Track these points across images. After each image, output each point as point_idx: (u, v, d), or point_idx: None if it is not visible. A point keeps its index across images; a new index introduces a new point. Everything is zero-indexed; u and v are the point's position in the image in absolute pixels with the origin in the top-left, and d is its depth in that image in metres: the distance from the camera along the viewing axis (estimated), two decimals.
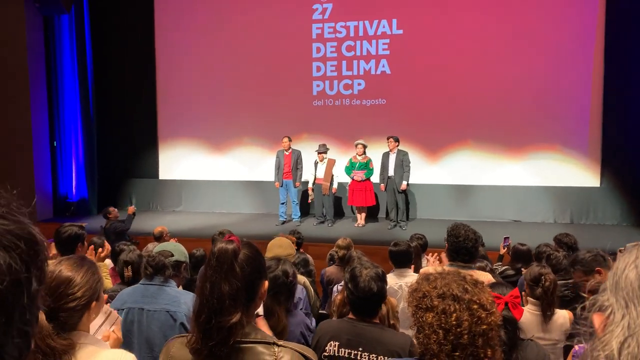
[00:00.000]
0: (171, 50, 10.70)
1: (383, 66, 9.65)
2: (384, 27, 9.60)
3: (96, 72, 10.88)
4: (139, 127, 10.87)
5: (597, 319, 0.74)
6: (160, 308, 2.69)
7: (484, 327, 1.35)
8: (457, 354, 1.36)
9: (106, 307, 2.01)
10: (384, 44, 9.63)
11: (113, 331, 2.00)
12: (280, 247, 3.36)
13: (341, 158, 9.14)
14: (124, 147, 10.95)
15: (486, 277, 3.20)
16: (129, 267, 3.56)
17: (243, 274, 1.54)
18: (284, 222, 9.17)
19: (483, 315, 1.36)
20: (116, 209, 7.74)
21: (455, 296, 1.39)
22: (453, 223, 3.42)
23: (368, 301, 2.26)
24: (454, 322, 1.36)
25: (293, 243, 3.87)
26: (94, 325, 1.93)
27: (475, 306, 1.37)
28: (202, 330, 1.51)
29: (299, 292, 3.04)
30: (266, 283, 1.64)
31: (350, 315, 2.33)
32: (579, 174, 8.86)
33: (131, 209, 7.70)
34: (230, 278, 1.52)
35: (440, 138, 9.39)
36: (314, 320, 3.01)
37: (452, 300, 1.38)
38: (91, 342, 1.75)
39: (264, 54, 10.10)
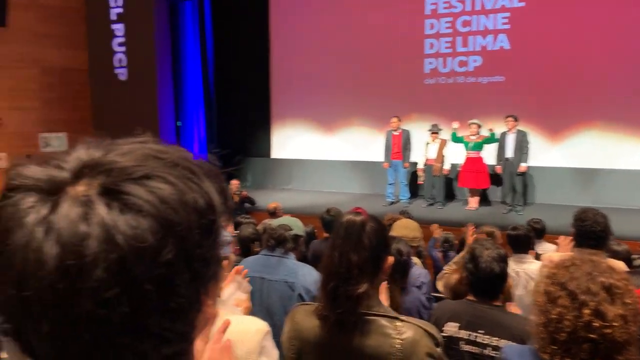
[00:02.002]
0: (285, 32, 10.95)
1: (502, 41, 9.15)
2: (504, 0, 9.08)
3: (216, 55, 11.44)
4: (254, 108, 11.31)
5: None
6: (279, 278, 2.81)
7: (593, 336, 1.23)
8: (574, 352, 1.25)
9: (239, 276, 2.12)
10: (503, 17, 9.11)
11: (244, 299, 2.11)
12: (406, 228, 3.35)
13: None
14: (240, 127, 11.46)
15: (619, 265, 2.96)
16: (255, 243, 3.72)
17: (370, 245, 1.56)
18: (391, 203, 9.11)
19: (597, 324, 1.23)
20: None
21: (570, 291, 1.27)
22: (581, 207, 3.20)
23: (489, 282, 2.19)
24: (555, 317, 1.26)
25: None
26: (228, 292, 2.05)
27: (587, 311, 1.24)
28: (330, 298, 1.55)
29: (423, 276, 3.02)
30: (390, 258, 1.64)
31: (470, 297, 2.27)
32: None
33: (244, 193, 8.17)
34: (359, 248, 1.54)
35: (563, 118, 8.76)
36: (433, 303, 2.98)
37: (566, 294, 1.27)
38: (223, 308, 1.86)
39: (375, 32, 9.99)
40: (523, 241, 3.74)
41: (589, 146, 8.64)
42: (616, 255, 3.41)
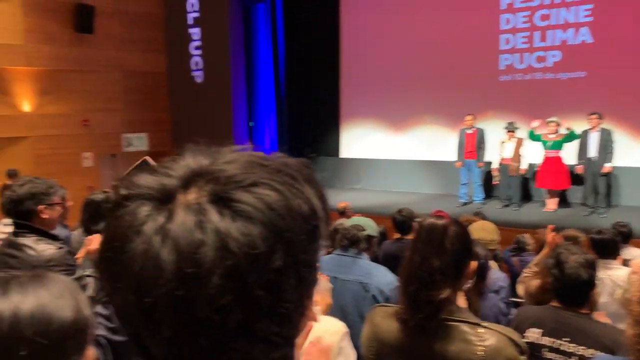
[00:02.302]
0: (356, 31, 10.94)
1: (584, 35, 8.70)
2: None
3: (287, 55, 11.63)
4: (324, 107, 11.38)
5: None
6: (353, 279, 2.81)
7: None
8: None
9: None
10: (585, 10, 8.65)
11: (326, 295, 2.12)
12: (483, 230, 3.26)
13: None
14: (309, 127, 11.57)
15: None
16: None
17: (453, 250, 1.53)
18: (464, 204, 8.88)
19: None
20: None
21: None
22: None
23: (575, 289, 2.09)
24: None
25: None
26: None
27: None
28: (411, 302, 1.54)
29: (501, 280, 2.93)
30: (474, 263, 1.61)
31: (554, 303, 2.18)
32: None
33: None
34: (441, 253, 1.52)
35: None
36: (512, 309, 2.88)
37: None
38: None
39: (448, 28, 9.78)
40: (609, 246, 3.54)
41: None
42: None
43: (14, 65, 9.80)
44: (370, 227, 3.12)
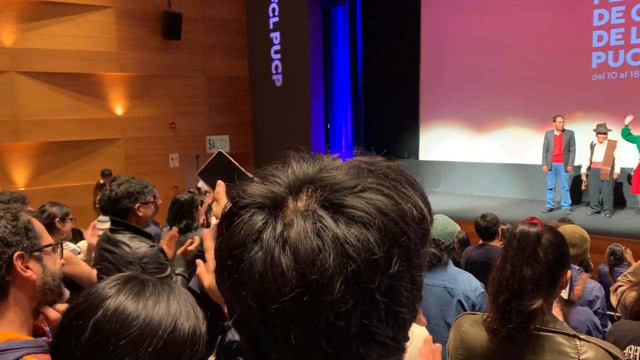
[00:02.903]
0: (436, 31, 10.75)
1: None
2: None
3: (365, 58, 11.62)
4: (402, 109, 11.28)
5: None
6: (438, 283, 2.75)
7: None
8: None
9: None
10: None
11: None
12: (573, 245, 3.07)
13: (624, 140, 7.93)
14: (388, 129, 11.49)
15: None
16: None
17: (546, 259, 1.47)
18: (551, 210, 8.46)
19: None
20: None
21: None
22: None
23: None
24: None
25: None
26: None
27: None
28: (501, 312, 1.49)
29: (597, 290, 2.77)
30: (569, 272, 1.53)
31: None
32: None
33: None
34: (533, 262, 1.47)
35: None
36: (608, 323, 2.70)
37: None
38: None
39: (534, 26, 9.37)
40: None
41: None
42: None
43: (108, 72, 10.45)
44: (452, 225, 3.00)
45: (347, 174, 0.54)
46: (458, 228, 3.03)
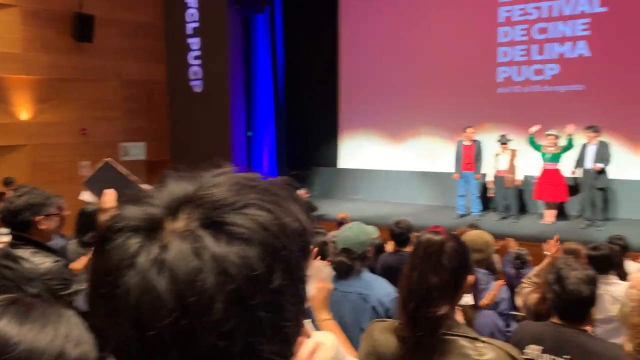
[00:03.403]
0: (354, 42, 11.00)
1: (581, 49, 8.76)
2: (583, 5, 8.69)
3: (286, 65, 11.69)
4: (322, 118, 11.43)
5: None
6: (353, 290, 2.79)
7: None
8: None
9: (319, 264, 2.12)
10: (583, 24, 8.72)
11: (325, 282, 2.08)
12: (479, 252, 3.23)
13: (527, 149, 8.49)
14: (308, 137, 11.60)
15: None
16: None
17: (450, 266, 1.53)
18: (462, 216, 8.89)
19: None
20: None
21: None
22: None
23: (576, 305, 2.08)
24: None
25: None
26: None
27: None
28: (410, 319, 1.53)
29: (502, 292, 2.92)
30: (471, 277, 1.60)
31: (554, 319, 2.17)
32: None
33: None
34: (438, 269, 1.52)
35: None
36: (513, 323, 2.86)
37: None
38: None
39: (447, 41, 9.83)
40: (606, 261, 3.51)
41: None
42: None
43: (12, 74, 9.80)
44: (365, 233, 3.07)
45: (228, 190, 0.53)
46: (374, 235, 3.09)
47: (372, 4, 10.71)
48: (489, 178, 8.72)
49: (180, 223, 0.51)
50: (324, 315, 2.05)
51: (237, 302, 0.48)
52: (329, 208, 9.72)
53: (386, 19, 10.53)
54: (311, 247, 0.58)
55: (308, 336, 0.63)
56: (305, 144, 11.67)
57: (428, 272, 1.52)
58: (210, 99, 10.40)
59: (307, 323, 1.82)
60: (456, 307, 1.67)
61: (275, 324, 0.51)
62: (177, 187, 0.55)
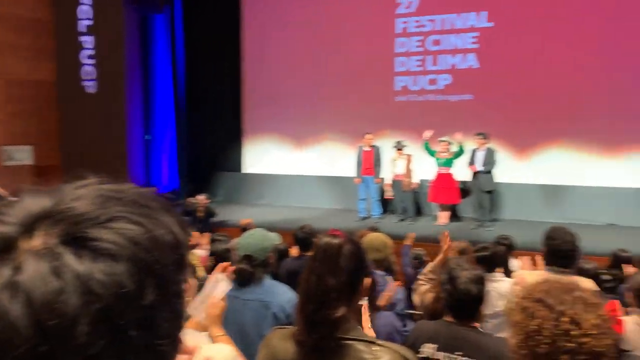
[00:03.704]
0: (257, 48, 10.97)
1: (471, 61, 9.37)
2: (472, 20, 9.31)
3: (187, 68, 11.39)
4: (226, 122, 11.27)
5: None
6: (254, 298, 2.76)
7: (572, 345, 1.24)
8: None
9: (218, 276, 2.09)
10: (472, 37, 9.33)
11: (219, 300, 2.06)
12: (377, 250, 3.33)
13: (422, 155, 8.92)
14: (211, 142, 11.38)
15: (588, 284, 3.02)
16: (213, 258, 3.68)
17: (348, 268, 1.55)
18: (363, 219, 9.15)
19: (574, 332, 1.25)
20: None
21: (547, 303, 1.30)
22: (550, 226, 3.26)
23: (467, 304, 2.20)
24: (535, 328, 1.28)
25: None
26: (202, 293, 2.02)
27: (565, 319, 1.26)
28: (307, 323, 1.53)
29: (398, 293, 3.02)
30: (368, 280, 1.64)
31: (448, 318, 2.28)
32: None
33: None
34: (336, 272, 1.54)
35: (530, 135, 8.98)
36: (409, 322, 2.96)
37: (544, 306, 1.30)
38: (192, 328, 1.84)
39: (347, 50, 10.10)
40: (491, 260, 3.74)
41: (554, 163, 8.87)
42: (585, 272, 3.48)
43: None
44: (267, 240, 3.05)
45: (91, 203, 0.49)
46: (277, 241, 3.08)
47: (275, 10, 10.75)
48: (387, 182, 9.06)
49: (37, 241, 0.46)
50: (218, 332, 2.02)
51: (105, 323, 0.45)
52: (233, 213, 9.60)
53: (289, 24, 10.61)
54: (187, 259, 0.55)
55: (188, 353, 0.60)
56: (208, 148, 11.43)
57: (326, 274, 1.54)
58: (105, 100, 9.87)
59: (202, 336, 1.77)
60: (354, 310, 1.70)
61: (149, 343, 0.48)
62: (34, 201, 0.50)
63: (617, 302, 3.05)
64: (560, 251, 3.09)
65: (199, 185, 11.03)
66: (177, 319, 0.53)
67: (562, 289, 1.34)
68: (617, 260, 4.40)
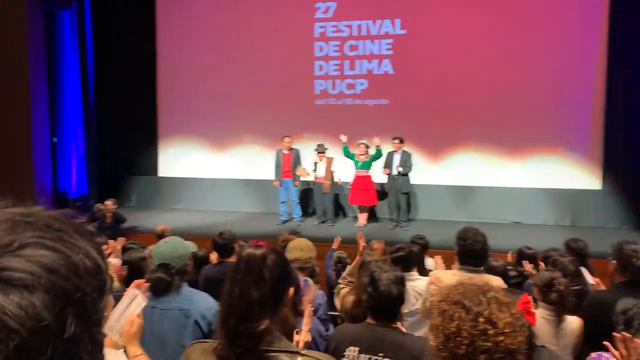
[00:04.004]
0: (172, 48, 10.66)
1: (386, 66, 9.64)
2: (387, 27, 9.59)
3: (97, 68, 10.85)
4: (140, 124, 10.84)
5: None
6: (173, 307, 2.68)
7: (488, 344, 1.30)
8: None
9: (133, 291, 2.02)
10: (387, 44, 9.61)
11: (136, 317, 2.01)
12: (301, 250, 3.33)
13: (343, 157, 9.06)
14: (124, 144, 10.91)
15: (497, 282, 3.19)
16: (126, 267, 3.53)
17: (271, 279, 1.53)
18: (284, 222, 9.15)
19: (491, 332, 1.30)
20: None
21: (465, 305, 1.36)
22: (463, 226, 3.41)
23: (388, 305, 2.25)
24: (454, 330, 1.33)
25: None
26: (117, 310, 1.94)
27: (482, 319, 1.32)
28: (230, 336, 1.50)
29: (319, 298, 3.03)
30: (292, 289, 1.63)
31: (369, 320, 2.32)
32: (581, 176, 8.88)
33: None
34: (259, 283, 1.51)
35: (442, 139, 9.39)
36: (331, 326, 2.98)
37: (461, 308, 1.35)
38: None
39: (266, 52, 10.07)
40: (407, 260, 3.82)
41: (464, 165, 9.33)
42: (494, 270, 3.66)
43: None
44: (183, 247, 2.97)
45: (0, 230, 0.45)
46: (193, 249, 3.01)
47: (191, 10, 10.50)
48: (306, 179, 9.17)
49: None
50: (136, 351, 1.94)
51: (22, 359, 0.41)
52: (148, 219, 9.27)
53: (206, 25, 10.41)
54: (108, 285, 0.52)
55: None
56: (121, 151, 10.95)
57: (249, 286, 1.51)
58: (7, 100, 9.18)
59: (119, 355, 1.68)
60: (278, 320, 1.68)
61: None
62: None
63: (527, 295, 3.24)
64: (471, 251, 3.24)
65: (110, 190, 10.54)
66: (99, 350, 0.49)
67: (477, 290, 1.39)
68: (523, 257, 4.68)
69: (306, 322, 2.03)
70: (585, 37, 8.71)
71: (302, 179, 9.12)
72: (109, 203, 8.32)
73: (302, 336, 2.00)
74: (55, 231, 0.48)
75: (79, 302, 0.45)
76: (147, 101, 10.80)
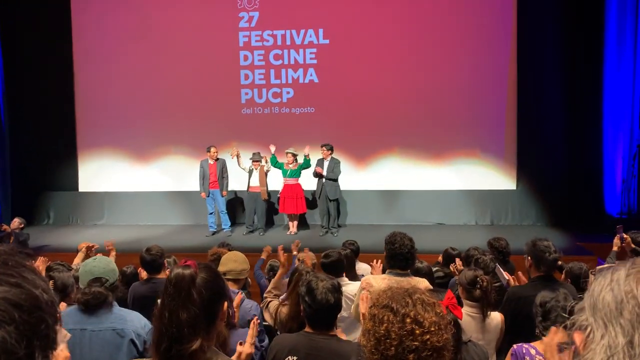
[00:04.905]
0: (91, 55, 10.20)
1: (311, 75, 9.77)
2: (310, 36, 9.72)
3: (7, 77, 10.18)
4: (56, 136, 10.30)
5: (577, 337, 0.80)
6: (106, 327, 2.61)
7: (416, 344, 1.35)
8: None
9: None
10: (311, 53, 9.74)
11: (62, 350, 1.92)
12: (235, 261, 3.33)
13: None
14: (39, 158, 10.30)
15: (423, 284, 3.33)
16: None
17: (201, 299, 1.53)
18: (214, 233, 9.03)
19: (418, 331, 1.37)
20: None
21: (392, 308, 1.42)
22: (391, 231, 3.52)
23: (325, 313, 2.30)
24: (383, 332, 1.39)
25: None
26: None
27: (409, 320, 1.38)
28: (164, 359, 1.50)
29: (254, 309, 3.04)
30: (226, 304, 1.64)
31: (307, 329, 2.36)
32: (497, 177, 9.41)
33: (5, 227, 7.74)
34: (188, 305, 1.51)
35: (367, 145, 9.62)
36: (266, 338, 3.00)
37: (389, 311, 1.41)
38: None
39: (190, 61, 9.90)
40: (336, 266, 3.85)
41: (389, 170, 9.62)
42: (419, 272, 3.82)
43: None
44: (112, 262, 2.90)
45: None
46: (115, 274, 2.94)
47: (109, 17, 10.13)
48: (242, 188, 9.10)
49: None
50: None
51: None
52: (68, 237, 8.86)
53: (125, 34, 10.07)
54: (60, 316, 0.54)
55: None
56: (36, 166, 10.33)
57: (178, 309, 1.50)
58: None
59: None
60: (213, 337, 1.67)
61: None
62: None
63: (451, 291, 3.40)
64: (399, 254, 3.38)
65: (24, 208, 9.93)
66: None
67: (404, 293, 1.47)
68: (448, 258, 4.91)
69: (251, 335, 2.04)
70: (497, 50, 9.25)
71: (233, 158, 8.93)
72: (15, 222, 7.89)
73: (246, 348, 2.01)
74: (13, 267, 0.49)
75: (43, 334, 0.47)
76: (64, 113, 10.28)
